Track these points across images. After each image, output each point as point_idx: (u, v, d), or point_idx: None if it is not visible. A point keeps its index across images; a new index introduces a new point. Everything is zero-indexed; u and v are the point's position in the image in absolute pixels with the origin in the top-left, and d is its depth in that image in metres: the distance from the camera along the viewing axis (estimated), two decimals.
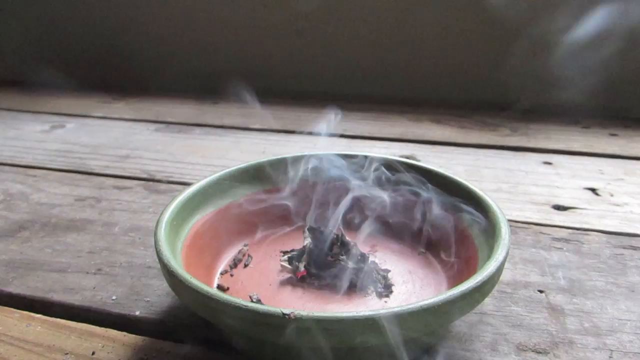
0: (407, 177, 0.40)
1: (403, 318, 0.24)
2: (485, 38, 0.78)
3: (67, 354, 0.30)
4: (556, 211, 0.47)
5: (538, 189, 0.52)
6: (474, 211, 0.35)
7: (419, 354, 0.30)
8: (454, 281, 0.33)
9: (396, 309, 0.24)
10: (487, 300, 0.34)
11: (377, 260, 0.37)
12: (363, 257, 0.35)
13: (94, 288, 0.36)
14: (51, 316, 0.34)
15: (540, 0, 0.71)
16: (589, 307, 0.34)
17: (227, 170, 0.39)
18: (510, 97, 0.74)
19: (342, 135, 0.68)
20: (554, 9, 0.70)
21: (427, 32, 0.80)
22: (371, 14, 0.81)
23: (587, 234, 0.43)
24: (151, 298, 0.35)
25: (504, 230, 0.31)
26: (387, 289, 0.34)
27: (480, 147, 0.63)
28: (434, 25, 0.80)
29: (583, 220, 0.45)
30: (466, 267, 0.32)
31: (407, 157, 0.58)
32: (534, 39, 0.72)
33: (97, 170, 0.57)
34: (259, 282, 0.35)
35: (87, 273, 0.38)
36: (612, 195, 0.50)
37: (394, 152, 0.62)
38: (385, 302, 0.33)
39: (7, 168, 0.58)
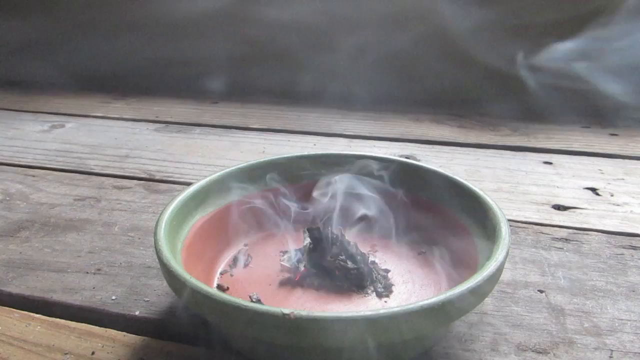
0: (406, 177, 0.40)
1: (403, 318, 0.24)
2: None
3: (66, 354, 0.30)
4: (556, 211, 0.47)
5: (538, 188, 0.52)
6: (474, 211, 0.35)
7: (419, 354, 0.30)
8: (454, 281, 0.33)
9: (396, 309, 0.24)
10: (487, 300, 0.34)
11: (377, 260, 0.37)
12: (363, 257, 0.35)
13: (94, 288, 0.36)
14: (51, 316, 0.34)
15: None
16: (589, 307, 0.34)
17: (227, 170, 0.39)
18: None
19: (342, 135, 0.68)
20: None
21: None
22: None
23: (587, 234, 0.43)
24: (151, 298, 0.35)
25: (504, 230, 0.31)
26: (387, 289, 0.34)
27: (480, 147, 0.63)
28: None
29: (583, 220, 0.45)
30: (466, 267, 0.32)
31: (407, 157, 0.58)
32: None
33: (96, 170, 0.57)
34: (259, 282, 0.35)
35: (87, 273, 0.38)
36: (612, 195, 0.50)
37: (394, 152, 0.62)
38: (385, 302, 0.33)
39: (6, 168, 0.58)
